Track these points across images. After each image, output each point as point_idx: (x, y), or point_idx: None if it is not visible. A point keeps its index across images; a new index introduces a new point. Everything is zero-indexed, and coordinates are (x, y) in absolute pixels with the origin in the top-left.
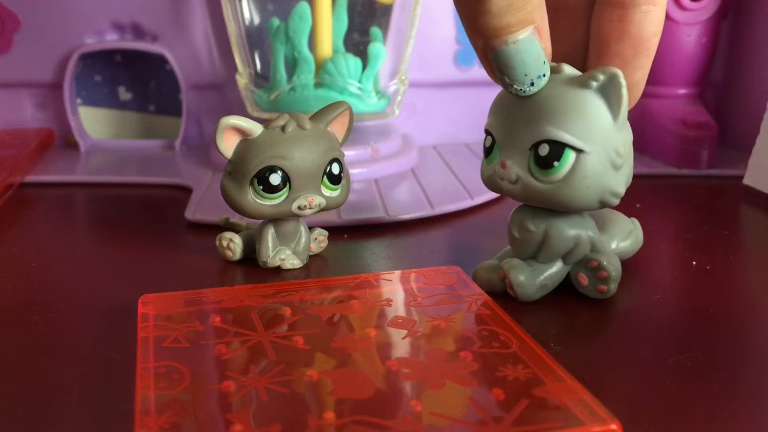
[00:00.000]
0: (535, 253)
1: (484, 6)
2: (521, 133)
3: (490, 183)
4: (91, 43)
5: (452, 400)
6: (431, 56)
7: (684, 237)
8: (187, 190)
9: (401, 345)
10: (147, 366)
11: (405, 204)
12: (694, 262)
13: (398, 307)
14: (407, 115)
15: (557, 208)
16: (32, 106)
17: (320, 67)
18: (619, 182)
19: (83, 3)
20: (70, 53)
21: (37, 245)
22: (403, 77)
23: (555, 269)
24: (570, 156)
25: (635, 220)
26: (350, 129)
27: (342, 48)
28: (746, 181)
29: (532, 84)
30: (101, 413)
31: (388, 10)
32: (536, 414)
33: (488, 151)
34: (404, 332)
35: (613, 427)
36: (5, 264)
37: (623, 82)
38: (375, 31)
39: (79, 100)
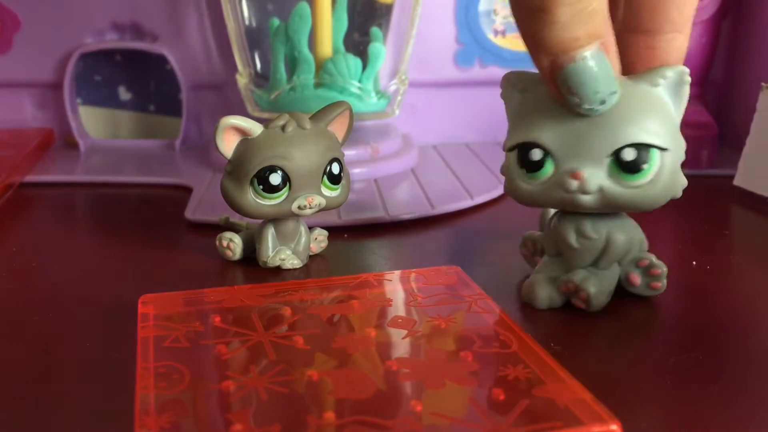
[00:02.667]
0: (596, 260)
1: (549, 16)
2: (593, 140)
3: (540, 199)
4: (91, 43)
5: (452, 400)
6: (431, 56)
7: (684, 237)
8: (187, 190)
9: (401, 345)
10: (147, 366)
11: (405, 204)
12: (694, 262)
13: (398, 307)
14: (407, 115)
15: (633, 211)
16: (32, 106)
17: (320, 67)
18: (682, 175)
19: (83, 3)
20: (70, 53)
21: (37, 245)
22: (403, 77)
23: (616, 273)
24: (656, 156)
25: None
26: (350, 129)
27: (342, 48)
28: (736, 182)
29: (603, 102)
30: (101, 413)
31: (388, 10)
32: (536, 414)
33: (537, 165)
34: (404, 332)
35: (613, 427)
36: (5, 264)
37: (689, 78)
38: (375, 31)
39: (79, 100)
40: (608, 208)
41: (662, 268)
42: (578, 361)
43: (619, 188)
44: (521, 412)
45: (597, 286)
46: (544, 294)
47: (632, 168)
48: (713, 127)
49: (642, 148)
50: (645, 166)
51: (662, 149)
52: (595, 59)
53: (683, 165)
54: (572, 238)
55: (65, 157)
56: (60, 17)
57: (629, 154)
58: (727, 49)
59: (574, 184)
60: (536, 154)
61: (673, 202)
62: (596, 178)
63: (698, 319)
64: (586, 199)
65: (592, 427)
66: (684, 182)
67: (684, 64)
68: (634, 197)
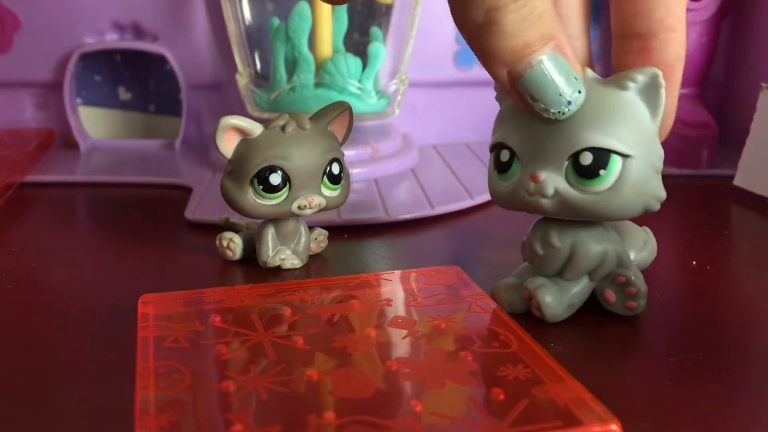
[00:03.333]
0: (560, 270)
1: (497, 27)
2: (553, 142)
3: (510, 201)
4: (91, 43)
5: (452, 400)
6: (431, 56)
7: (684, 237)
8: (187, 190)
9: (401, 345)
10: (147, 366)
11: (405, 204)
12: (694, 262)
13: (398, 307)
14: (407, 115)
15: (598, 220)
16: (32, 106)
17: (320, 67)
18: (661, 186)
19: (83, 3)
20: (70, 53)
21: (37, 245)
22: (403, 77)
23: (582, 287)
24: (617, 163)
25: (647, 229)
26: (350, 129)
27: (342, 48)
28: (736, 182)
29: (570, 103)
30: (101, 413)
31: (388, 10)
32: (536, 414)
33: (505, 167)
34: (404, 332)
35: (613, 427)
36: (5, 264)
37: (663, 81)
38: (375, 31)
39: (79, 100)
40: (570, 215)
41: (640, 288)
42: (578, 360)
43: (577, 193)
44: (521, 412)
45: (552, 297)
46: (505, 298)
47: (589, 173)
48: (713, 127)
49: (600, 152)
50: (602, 172)
51: (624, 155)
52: (552, 61)
53: (681, 165)
54: (537, 245)
55: (65, 157)
56: (60, 17)
57: (586, 158)
58: (727, 49)
59: (532, 186)
60: (504, 155)
61: (672, 202)
62: (554, 181)
63: (698, 319)
64: (546, 203)
65: (592, 427)
66: (661, 195)
67: (684, 65)
68: (594, 203)
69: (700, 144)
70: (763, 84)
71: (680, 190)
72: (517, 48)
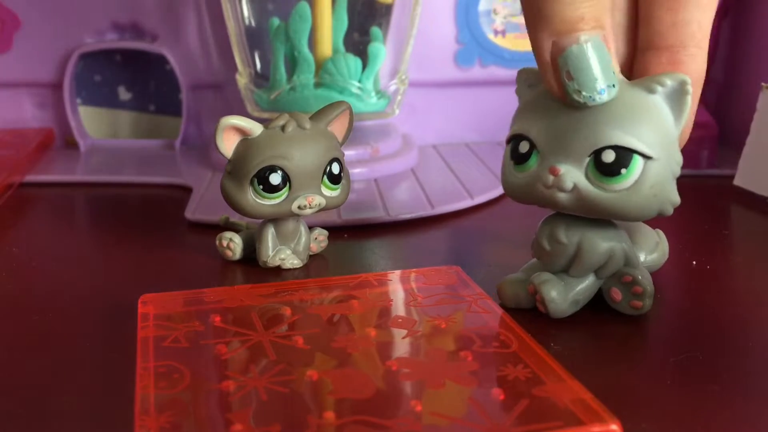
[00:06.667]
0: (567, 266)
1: None
2: (576, 137)
3: (525, 193)
4: (91, 43)
5: (452, 400)
6: (431, 56)
7: (684, 237)
8: (187, 190)
9: (401, 345)
10: (147, 366)
11: (405, 204)
12: (694, 262)
13: (398, 306)
14: (407, 115)
15: (612, 219)
16: (32, 106)
17: (320, 66)
18: (676, 191)
19: (83, 3)
20: (70, 53)
21: (37, 245)
22: (403, 77)
23: (587, 284)
24: (638, 163)
25: (660, 232)
26: (350, 129)
27: (342, 48)
28: (736, 182)
29: (602, 92)
30: (101, 413)
31: (388, 10)
32: (536, 414)
33: (523, 158)
34: (404, 332)
35: (613, 427)
36: (5, 264)
37: (690, 89)
38: (375, 31)
39: (79, 100)
40: (586, 212)
41: (646, 287)
42: (578, 361)
43: (596, 190)
44: (521, 412)
45: (557, 292)
46: (511, 293)
47: (610, 171)
48: (713, 127)
49: (623, 151)
50: (624, 171)
51: (646, 157)
52: (597, 45)
53: (681, 165)
54: (545, 241)
55: (65, 157)
56: (60, 17)
57: (609, 156)
58: (727, 49)
59: (550, 179)
60: (524, 147)
61: None
62: (573, 175)
63: (698, 319)
64: (563, 197)
65: (592, 427)
66: (676, 200)
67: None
68: (611, 202)
69: (700, 144)
70: (763, 84)
71: (680, 190)
72: (571, 18)
